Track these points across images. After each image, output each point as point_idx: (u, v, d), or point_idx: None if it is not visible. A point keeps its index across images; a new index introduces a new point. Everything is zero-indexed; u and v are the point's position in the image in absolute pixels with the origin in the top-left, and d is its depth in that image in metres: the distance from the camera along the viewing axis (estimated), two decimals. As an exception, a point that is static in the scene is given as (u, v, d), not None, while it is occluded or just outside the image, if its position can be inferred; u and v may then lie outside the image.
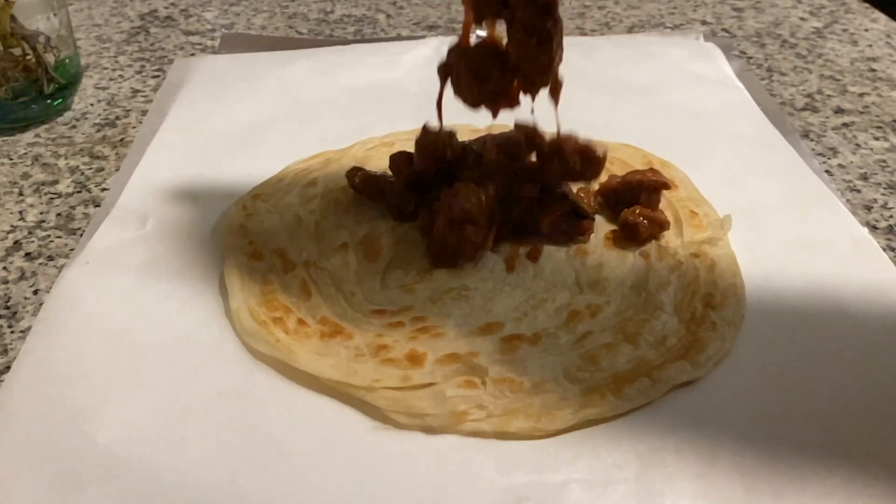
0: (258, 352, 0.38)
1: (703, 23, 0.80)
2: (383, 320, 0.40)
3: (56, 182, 0.54)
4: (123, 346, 0.39)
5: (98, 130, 0.60)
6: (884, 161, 0.57)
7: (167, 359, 0.38)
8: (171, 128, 0.57)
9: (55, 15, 0.59)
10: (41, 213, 0.51)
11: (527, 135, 0.46)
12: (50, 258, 0.47)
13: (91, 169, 0.56)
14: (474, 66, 0.43)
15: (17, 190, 0.53)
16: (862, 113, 0.63)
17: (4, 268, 0.46)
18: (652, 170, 0.48)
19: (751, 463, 0.33)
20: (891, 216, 0.51)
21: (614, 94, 0.62)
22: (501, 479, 0.33)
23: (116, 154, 0.57)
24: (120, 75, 0.69)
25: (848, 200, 0.52)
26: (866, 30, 0.78)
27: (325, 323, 0.40)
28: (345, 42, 0.73)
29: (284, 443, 0.34)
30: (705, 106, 0.60)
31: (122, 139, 0.59)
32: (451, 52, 0.44)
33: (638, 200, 0.46)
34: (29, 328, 0.40)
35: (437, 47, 0.69)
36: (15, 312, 0.43)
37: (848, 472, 0.33)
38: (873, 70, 0.70)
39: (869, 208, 0.52)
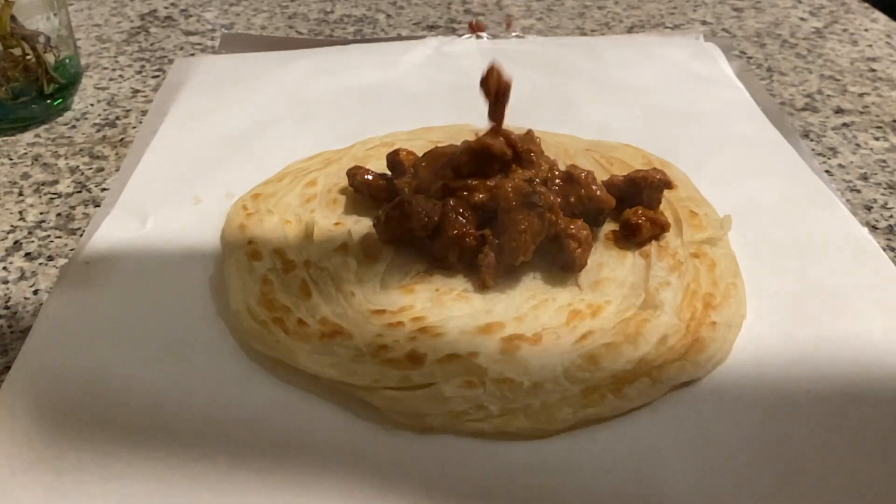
0: (258, 352, 0.38)
1: (703, 23, 0.80)
2: (383, 320, 0.40)
3: (56, 182, 0.54)
4: (123, 347, 0.39)
5: (98, 130, 0.60)
6: (884, 161, 0.57)
7: (167, 359, 0.38)
8: (171, 128, 0.57)
9: (55, 15, 0.59)
10: (41, 213, 0.51)
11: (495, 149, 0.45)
12: (50, 258, 0.47)
13: (91, 169, 0.56)
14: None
15: (17, 190, 0.53)
16: (862, 113, 0.63)
17: (4, 268, 0.46)
18: (656, 168, 0.48)
19: (750, 463, 0.33)
20: (891, 216, 0.51)
21: (614, 94, 0.62)
22: (501, 479, 0.33)
23: (116, 154, 0.57)
24: (120, 75, 0.69)
25: (848, 200, 0.52)
26: (866, 30, 0.78)
27: (325, 323, 0.40)
28: (345, 42, 0.73)
29: (284, 443, 0.34)
30: (705, 106, 0.60)
31: (122, 139, 0.59)
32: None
33: (641, 197, 0.47)
34: (29, 328, 0.40)
35: (437, 47, 0.69)
36: (15, 312, 0.43)
37: (848, 471, 0.33)
38: (873, 70, 0.70)
39: (869, 208, 0.52)
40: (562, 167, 0.47)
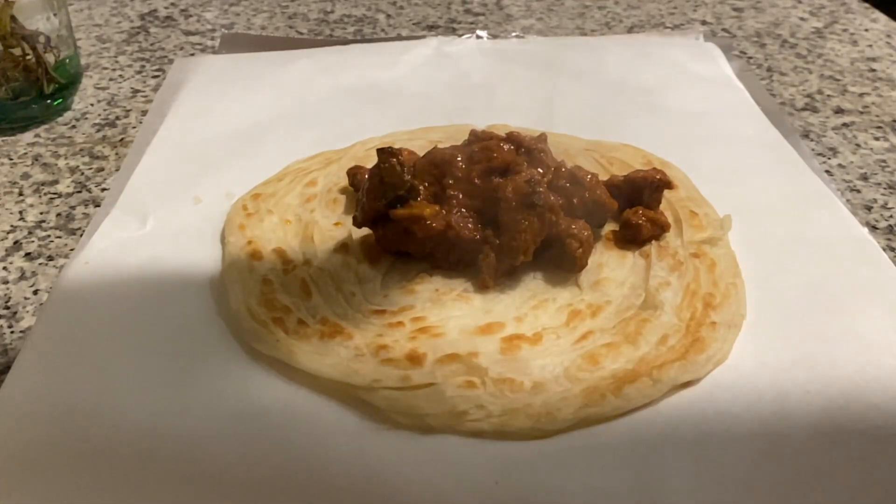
0: (258, 352, 0.38)
1: (703, 23, 0.80)
2: (383, 320, 0.40)
3: (56, 182, 0.54)
4: (123, 347, 0.39)
5: (98, 130, 0.60)
6: (884, 161, 0.57)
7: (167, 359, 0.38)
8: (171, 128, 0.57)
9: (55, 15, 0.59)
10: (41, 213, 0.51)
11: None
12: (50, 258, 0.47)
13: (91, 169, 0.56)
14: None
15: (17, 190, 0.53)
16: (862, 113, 0.63)
17: (4, 268, 0.46)
18: (656, 168, 0.48)
19: (750, 463, 0.33)
20: (891, 216, 0.51)
21: (614, 94, 0.62)
22: (501, 479, 0.33)
23: (116, 154, 0.57)
24: (120, 75, 0.69)
25: (848, 200, 0.52)
26: (866, 30, 0.78)
27: (325, 323, 0.40)
28: (345, 42, 0.73)
29: (284, 443, 0.34)
30: (705, 106, 0.60)
31: (122, 139, 0.59)
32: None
33: (641, 198, 0.47)
34: (29, 328, 0.40)
35: (437, 47, 0.69)
36: (15, 312, 0.43)
37: (848, 472, 0.33)
38: (873, 70, 0.70)
39: (869, 208, 0.52)
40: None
